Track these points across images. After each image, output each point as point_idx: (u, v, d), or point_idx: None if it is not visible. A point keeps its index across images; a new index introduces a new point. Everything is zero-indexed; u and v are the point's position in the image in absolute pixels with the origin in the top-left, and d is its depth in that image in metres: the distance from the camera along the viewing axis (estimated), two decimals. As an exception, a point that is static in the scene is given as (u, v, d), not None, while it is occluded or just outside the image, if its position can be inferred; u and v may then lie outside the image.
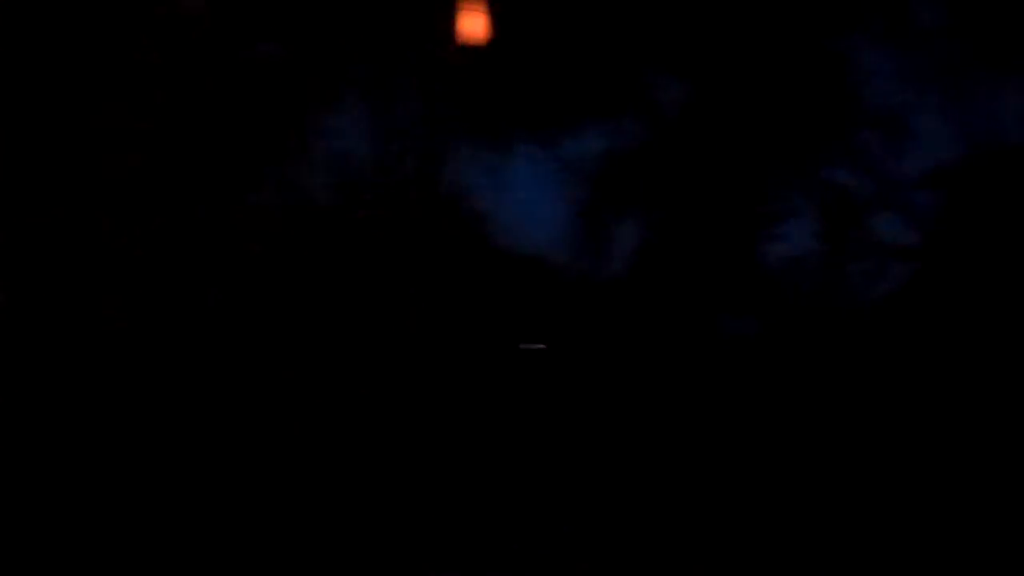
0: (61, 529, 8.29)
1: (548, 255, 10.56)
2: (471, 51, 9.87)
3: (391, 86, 9.47)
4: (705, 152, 10.76)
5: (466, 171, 10.44)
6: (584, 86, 10.45)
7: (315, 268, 9.28)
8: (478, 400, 9.71)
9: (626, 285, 10.57)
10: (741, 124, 10.79)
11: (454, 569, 8.84)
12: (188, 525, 8.50)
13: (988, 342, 10.08)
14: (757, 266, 11.10)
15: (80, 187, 8.66)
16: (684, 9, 10.59)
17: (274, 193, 9.35)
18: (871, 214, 11.24)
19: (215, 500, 8.65)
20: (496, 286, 10.21)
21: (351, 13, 8.95)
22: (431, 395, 9.46)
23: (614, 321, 10.39)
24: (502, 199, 10.47)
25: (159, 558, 8.39)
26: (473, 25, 9.66)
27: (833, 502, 9.75)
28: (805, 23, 10.79)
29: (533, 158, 10.55)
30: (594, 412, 9.91)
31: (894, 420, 10.09)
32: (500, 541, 9.14)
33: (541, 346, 9.87)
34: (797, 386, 10.47)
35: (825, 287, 11.19)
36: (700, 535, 9.49)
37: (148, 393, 8.70)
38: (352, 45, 9.07)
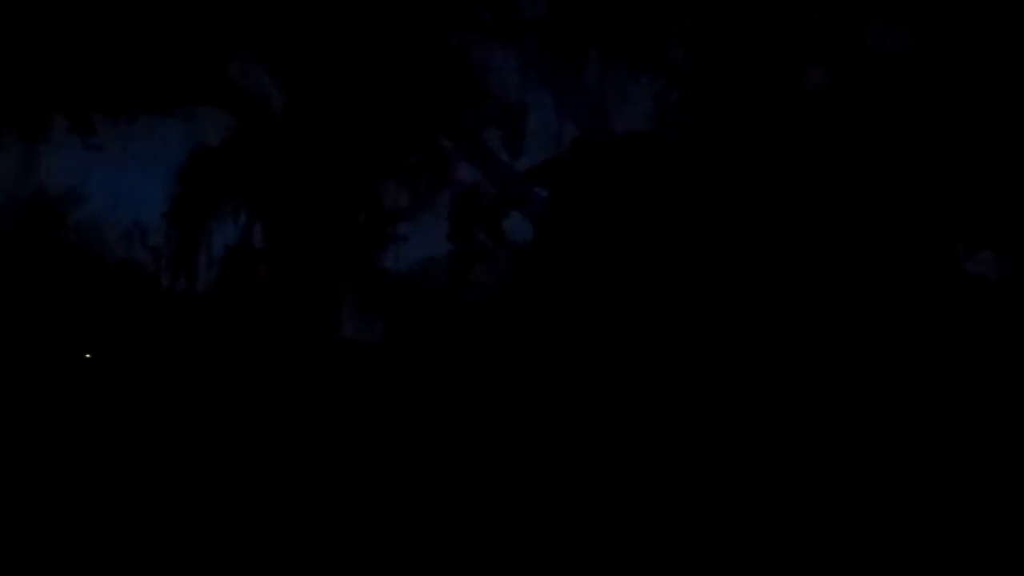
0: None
1: (140, 259, 10.07)
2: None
3: None
4: (318, 151, 10.47)
5: (51, 169, 9.92)
6: (167, 77, 9.96)
7: None
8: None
9: (229, 288, 10.16)
10: (357, 122, 10.53)
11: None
12: None
13: (603, 337, 9.99)
14: (380, 268, 10.85)
15: None
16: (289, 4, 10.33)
17: None
18: (496, 212, 11.10)
19: None
20: (83, 291, 9.71)
21: None
22: None
23: (214, 327, 9.98)
24: (89, 200, 9.95)
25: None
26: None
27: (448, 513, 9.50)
28: (420, 18, 10.62)
29: (122, 154, 10.05)
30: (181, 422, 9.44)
31: (527, 421, 9.91)
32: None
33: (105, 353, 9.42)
34: (425, 389, 10.22)
35: (452, 286, 10.99)
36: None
37: None
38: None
